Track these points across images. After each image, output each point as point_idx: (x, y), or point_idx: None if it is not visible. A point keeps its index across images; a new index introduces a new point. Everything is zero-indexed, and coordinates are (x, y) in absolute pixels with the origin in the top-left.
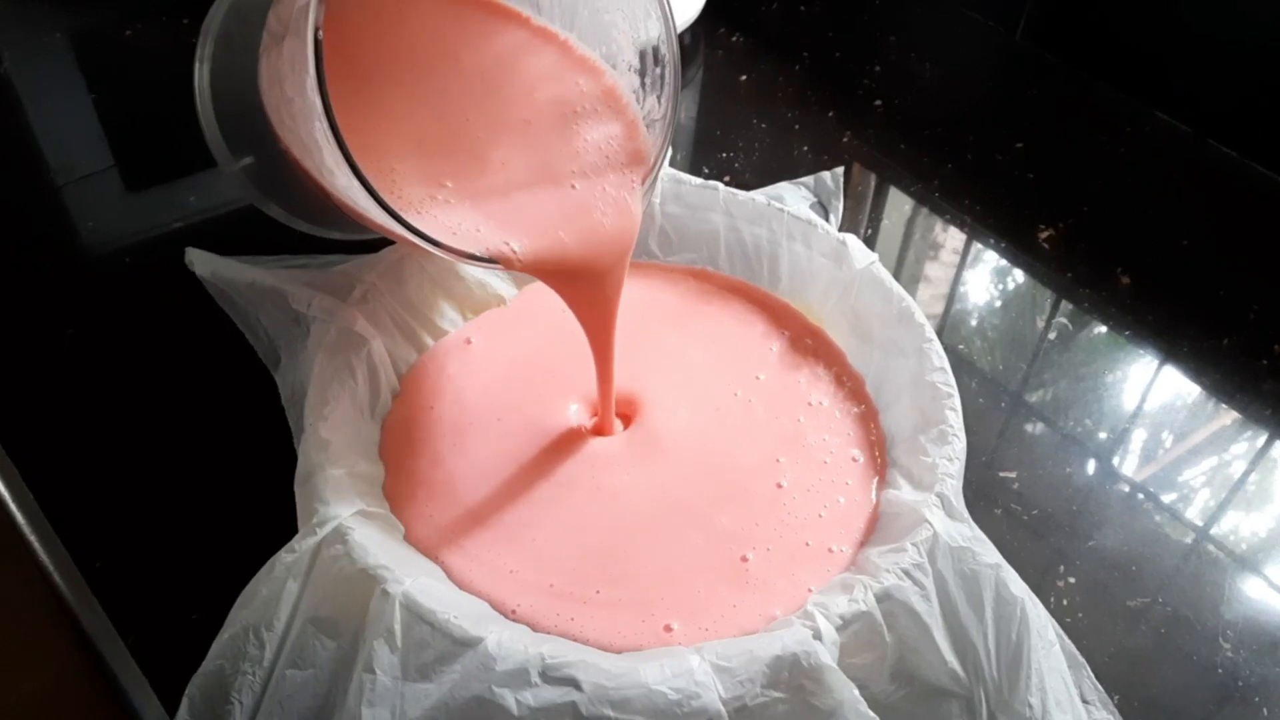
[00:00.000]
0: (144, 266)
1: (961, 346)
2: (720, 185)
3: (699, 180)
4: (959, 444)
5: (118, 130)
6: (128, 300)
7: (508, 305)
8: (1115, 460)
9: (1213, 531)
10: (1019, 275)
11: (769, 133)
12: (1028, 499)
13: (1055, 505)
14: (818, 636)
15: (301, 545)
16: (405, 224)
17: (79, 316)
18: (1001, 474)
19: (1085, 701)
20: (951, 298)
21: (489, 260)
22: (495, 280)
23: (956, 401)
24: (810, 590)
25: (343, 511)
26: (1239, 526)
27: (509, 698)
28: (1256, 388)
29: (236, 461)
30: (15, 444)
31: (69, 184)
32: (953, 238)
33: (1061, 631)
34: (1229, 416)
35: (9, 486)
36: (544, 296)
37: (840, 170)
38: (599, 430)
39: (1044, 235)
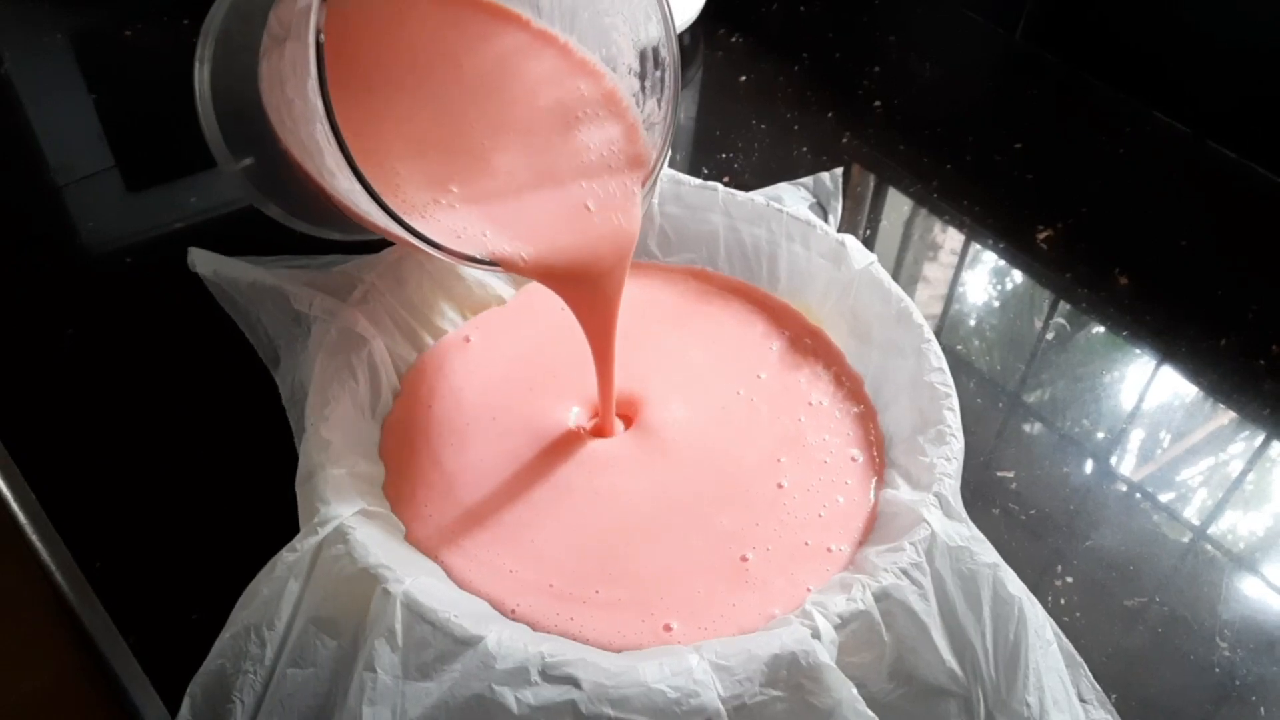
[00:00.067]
0: (144, 267)
1: (960, 347)
2: (719, 186)
3: (698, 181)
4: (957, 444)
5: (118, 130)
6: (128, 300)
7: (507, 304)
8: (1113, 460)
9: (1210, 531)
10: (1017, 276)
11: (768, 133)
12: (1025, 499)
13: (1053, 505)
14: (816, 635)
15: (303, 545)
16: (405, 225)
17: (79, 316)
18: (999, 474)
19: (1083, 701)
20: (950, 298)
21: (489, 262)
22: (495, 281)
23: (955, 402)
24: (809, 589)
25: (344, 511)
26: (1236, 526)
27: (509, 696)
28: (1255, 388)
29: (237, 461)
30: (16, 443)
31: (69, 184)
32: (951, 238)
33: (1059, 631)
34: (1227, 416)
35: (10, 486)
36: (543, 295)
37: (839, 171)
38: (599, 431)
39: (1043, 236)
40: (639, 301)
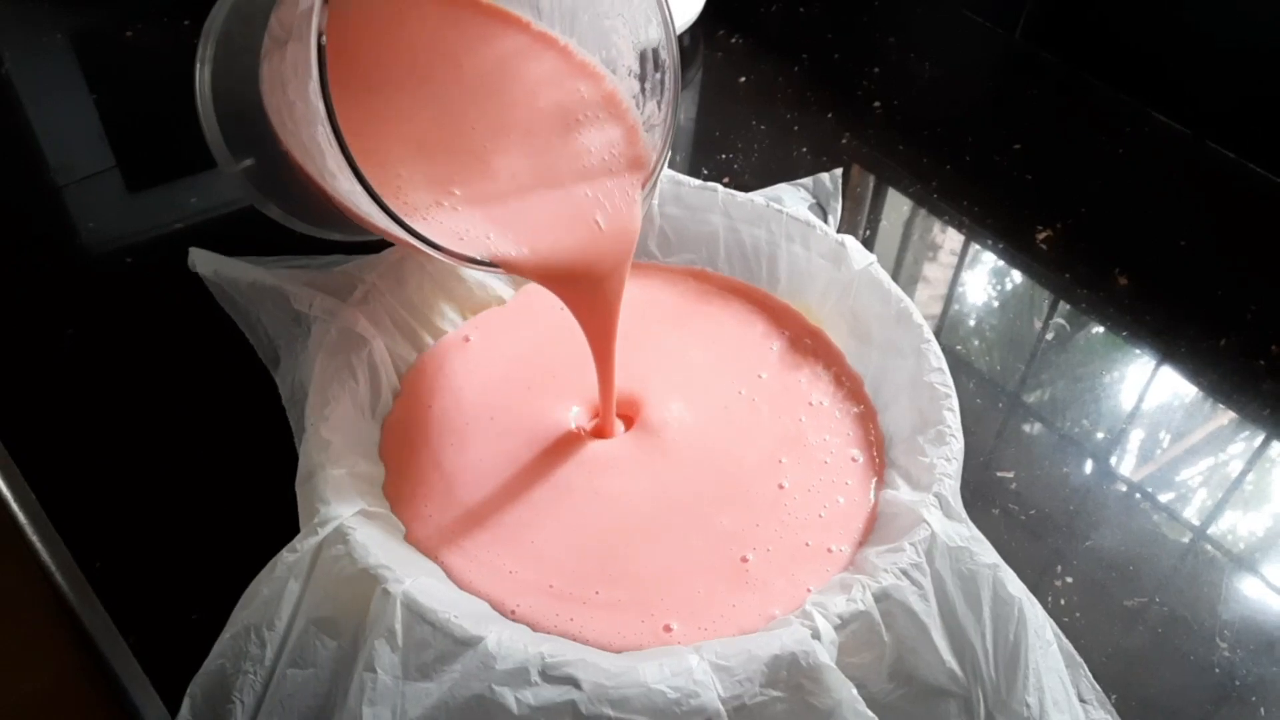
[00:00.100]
0: (145, 267)
1: (959, 347)
2: (719, 187)
3: (698, 182)
4: (957, 444)
5: (118, 131)
6: (128, 300)
7: (507, 304)
8: (1113, 460)
9: (1210, 531)
10: (1017, 276)
11: (768, 134)
12: (1025, 499)
13: (1053, 505)
14: (816, 636)
15: (303, 545)
16: (406, 227)
17: (80, 317)
18: (999, 474)
19: (1083, 701)
20: (950, 298)
21: (489, 264)
22: (495, 282)
23: (954, 402)
24: (809, 590)
25: (344, 511)
26: (1236, 526)
27: (509, 696)
28: (1255, 388)
29: (237, 461)
30: (16, 443)
31: (70, 184)
32: (951, 238)
33: (1059, 631)
34: (1226, 416)
35: (10, 486)
36: (543, 295)
37: (839, 171)
38: (599, 432)
39: (1042, 236)
40: (639, 302)
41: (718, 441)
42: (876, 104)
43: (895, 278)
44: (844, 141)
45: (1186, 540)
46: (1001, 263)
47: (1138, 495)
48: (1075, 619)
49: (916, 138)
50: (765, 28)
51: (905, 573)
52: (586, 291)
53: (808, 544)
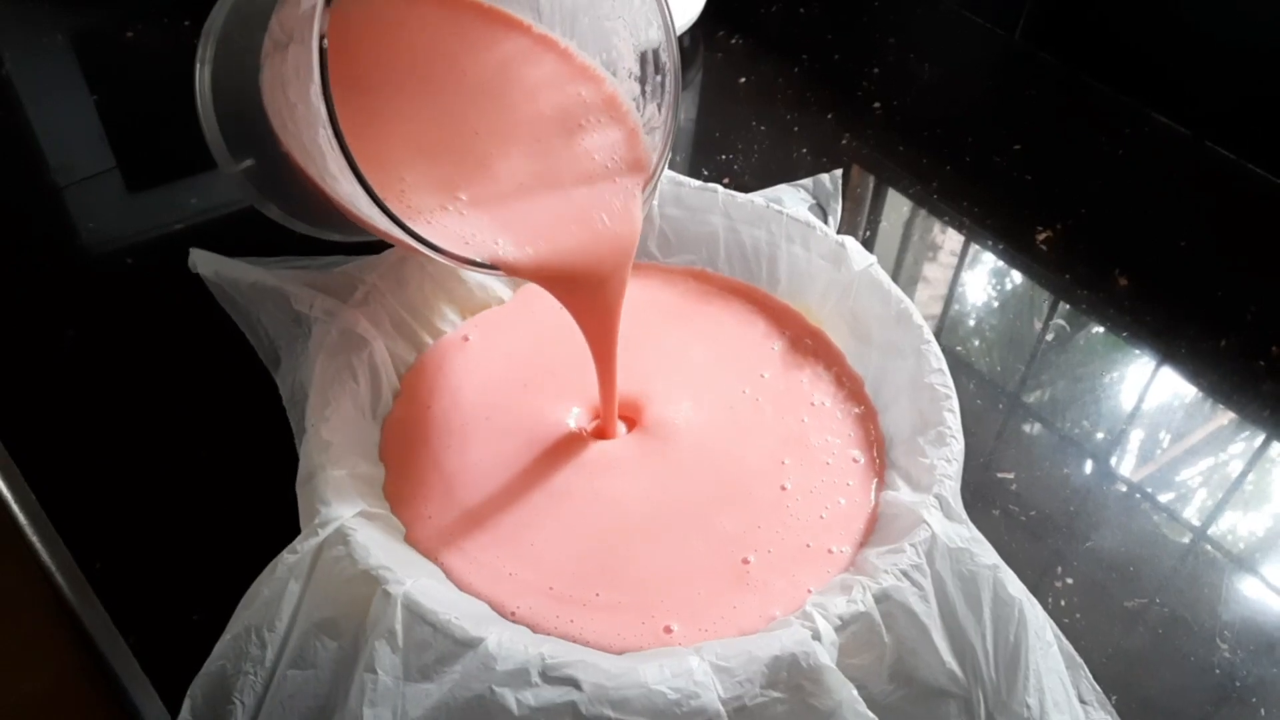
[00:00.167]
0: (145, 267)
1: (959, 348)
2: (719, 187)
3: (698, 182)
4: (957, 445)
5: (119, 131)
6: (129, 301)
7: (505, 303)
8: (1113, 461)
9: (1210, 532)
10: (1017, 276)
11: (768, 135)
12: (1025, 500)
13: (1053, 506)
14: (816, 637)
15: (303, 546)
16: (406, 229)
17: (80, 317)
18: (999, 475)
19: (1083, 702)
20: (950, 299)
21: (489, 266)
22: (496, 283)
23: (954, 403)
24: (809, 591)
25: (344, 512)
26: (1236, 527)
27: (509, 697)
28: (1255, 388)
29: (238, 462)
30: (17, 444)
31: (70, 185)
32: (951, 239)
33: (1059, 632)
34: (1226, 417)
35: (10, 486)
36: (542, 294)
37: (839, 172)
38: (600, 433)
39: (1042, 236)
40: (639, 302)
41: (721, 442)
42: (876, 104)
43: (895, 278)
44: (844, 142)
45: (1186, 541)
46: (1001, 263)
47: (1138, 496)
48: (1075, 620)
49: (916, 138)
50: (765, 28)
51: (906, 574)
52: (587, 294)
53: (808, 545)
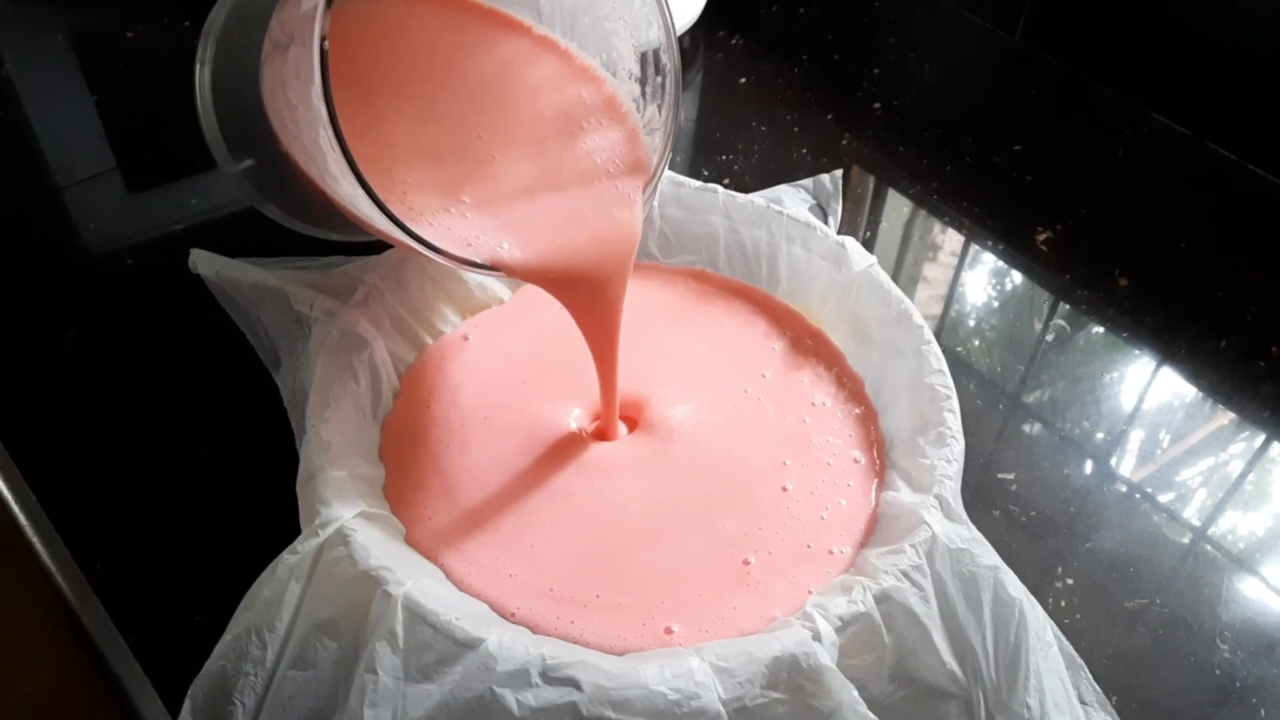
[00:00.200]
0: (145, 268)
1: (960, 348)
2: (720, 188)
3: (698, 183)
4: (957, 446)
5: (119, 131)
6: (129, 301)
7: (505, 303)
8: (1113, 461)
9: (1210, 533)
10: (1017, 277)
11: (768, 135)
12: (1026, 500)
13: (1053, 507)
14: (817, 638)
15: (304, 547)
16: (407, 230)
17: (80, 318)
18: (1000, 475)
19: (1083, 703)
20: (950, 299)
21: (490, 267)
22: (496, 284)
23: (955, 404)
24: (810, 592)
25: (345, 513)
26: (1237, 527)
27: (510, 698)
28: (1255, 389)
29: (238, 462)
30: (17, 444)
31: (70, 185)
32: (951, 239)
33: (1060, 633)
34: (1226, 417)
35: (11, 487)
36: (542, 293)
37: (839, 173)
38: (601, 434)
39: (1042, 237)
40: (640, 303)
41: (723, 443)
42: (876, 105)
43: (895, 279)
44: (844, 142)
45: (1187, 541)
46: (1001, 264)
47: (1138, 496)
48: (1076, 620)
49: (916, 139)
50: (765, 29)
51: (906, 574)
52: (588, 296)
53: (809, 546)
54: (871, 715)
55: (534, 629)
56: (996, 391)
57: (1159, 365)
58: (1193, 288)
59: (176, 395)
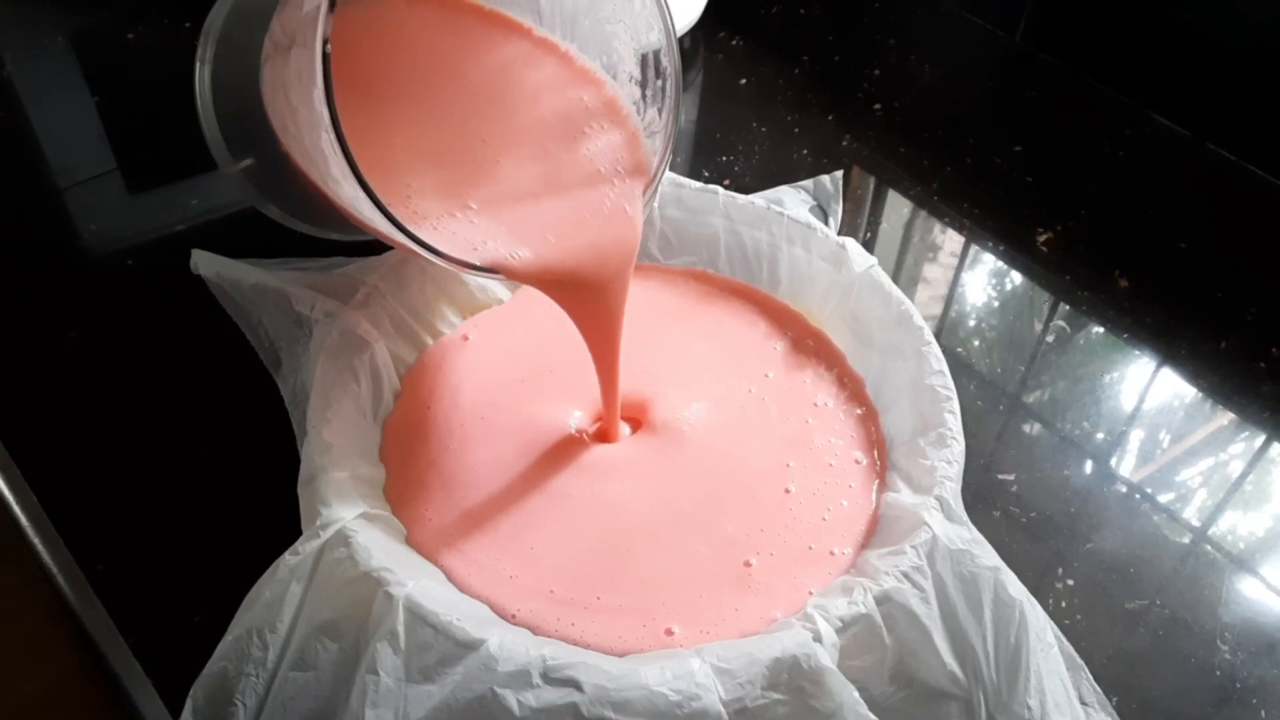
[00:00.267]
0: (146, 269)
1: (960, 349)
2: (720, 189)
3: (699, 184)
4: (958, 447)
5: (120, 132)
6: (130, 302)
7: (505, 303)
8: (1113, 462)
9: (1211, 533)
10: (1017, 277)
11: (769, 136)
12: (1026, 501)
13: (1053, 507)
14: (817, 639)
15: (305, 548)
16: (407, 233)
17: (81, 319)
18: (1000, 476)
19: (1084, 703)
20: (950, 300)
21: (490, 270)
22: (497, 285)
23: (955, 405)
24: (811, 593)
25: (346, 514)
26: (1237, 528)
27: (511, 699)
28: (1255, 390)
29: (239, 463)
30: (18, 445)
31: (71, 186)
32: (951, 240)
33: (1060, 633)
34: (1226, 418)
35: (12, 487)
36: (541, 294)
37: (840, 174)
38: (602, 435)
39: (1042, 238)
40: (640, 303)
41: (726, 444)
42: (877, 106)
43: (896, 280)
44: (844, 143)
45: (1187, 542)
46: (1002, 264)
47: (1138, 497)
48: (1076, 621)
49: (917, 140)
50: (766, 29)
51: (906, 575)
52: (589, 299)
53: (811, 547)
54: (872, 716)
55: (535, 630)
56: (997, 392)
57: (1159, 366)
58: (1193, 288)
59: (177, 396)
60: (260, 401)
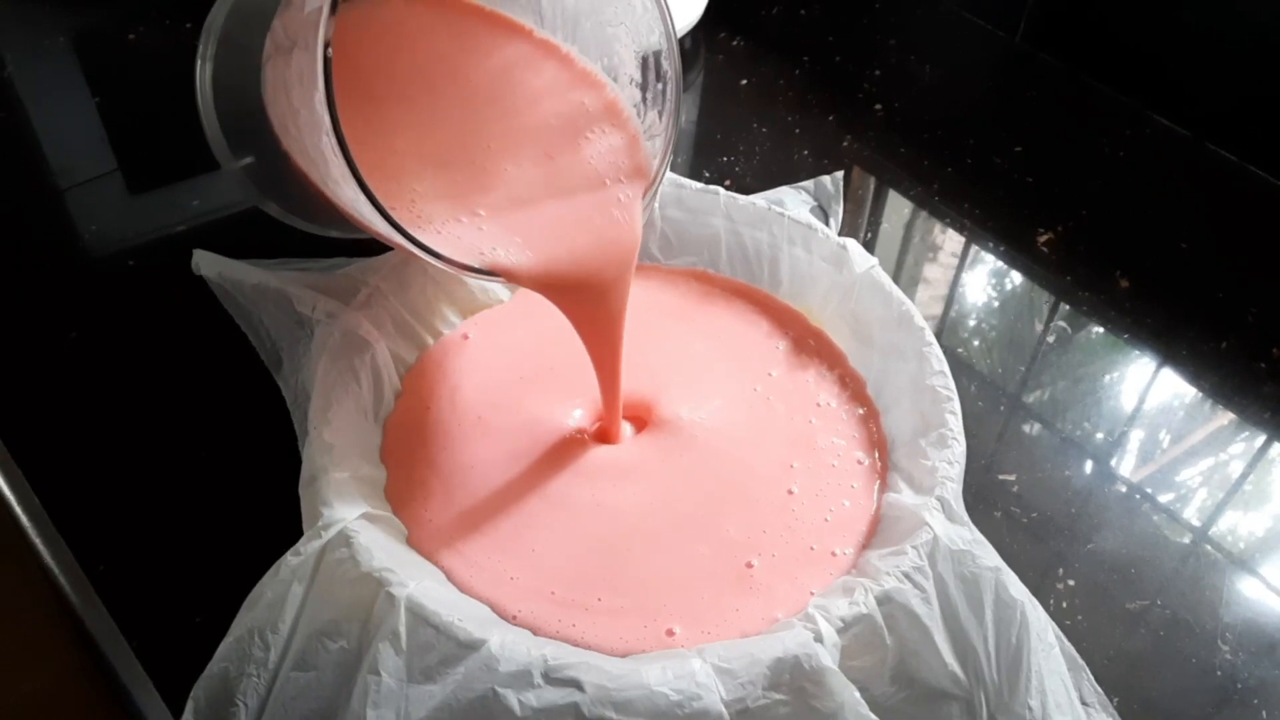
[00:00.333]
0: (146, 269)
1: (960, 349)
2: (721, 190)
3: (699, 184)
4: (959, 447)
5: (120, 133)
6: (130, 303)
7: (505, 303)
8: (1114, 462)
9: (1211, 534)
10: (1018, 278)
11: (769, 136)
12: (1027, 502)
13: (1054, 508)
14: (818, 639)
15: (306, 548)
16: (407, 235)
17: (82, 319)
18: (1001, 477)
19: (1085, 704)
20: (950, 300)
21: (490, 273)
22: (498, 287)
23: (956, 405)
24: (812, 593)
25: (347, 515)
26: (1237, 528)
27: (512, 699)
28: (1255, 390)
29: (240, 464)
30: (19, 445)
31: (72, 187)
32: (952, 241)
33: (1061, 634)
34: (1227, 418)
35: (13, 488)
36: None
37: (840, 174)
38: (603, 436)
39: (1043, 238)
40: (641, 304)
41: (730, 445)
42: (877, 106)
43: (896, 280)
44: (845, 144)
45: (1188, 542)
46: (1002, 265)
47: (1139, 497)
48: (1077, 622)
49: (917, 140)
50: (766, 30)
51: (907, 576)
52: (589, 302)
53: (812, 548)
54: (873, 716)
55: (536, 631)
56: (997, 393)
57: (1159, 366)
58: (1193, 289)
59: (178, 396)
60: (261, 402)
